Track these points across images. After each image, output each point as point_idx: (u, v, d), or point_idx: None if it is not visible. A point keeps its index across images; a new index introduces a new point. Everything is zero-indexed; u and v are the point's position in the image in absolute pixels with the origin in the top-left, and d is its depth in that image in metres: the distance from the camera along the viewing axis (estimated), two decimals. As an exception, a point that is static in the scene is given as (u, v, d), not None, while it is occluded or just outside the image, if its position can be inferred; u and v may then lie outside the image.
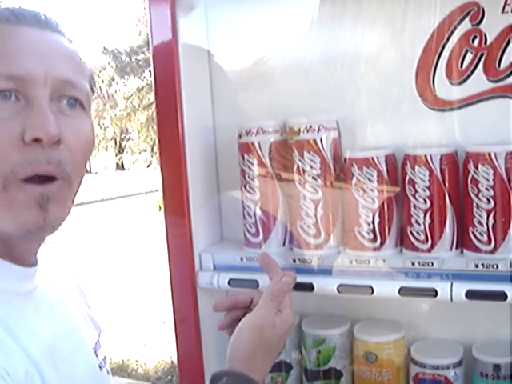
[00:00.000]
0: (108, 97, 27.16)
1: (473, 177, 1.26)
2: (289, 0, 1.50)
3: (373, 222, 1.34)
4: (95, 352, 1.12)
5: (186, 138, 1.48)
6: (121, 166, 33.10)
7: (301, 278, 1.38)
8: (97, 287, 6.76)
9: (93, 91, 1.04)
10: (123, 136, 30.98)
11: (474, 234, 1.28)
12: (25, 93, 0.87)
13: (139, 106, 24.71)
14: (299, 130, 1.38)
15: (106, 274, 8.17)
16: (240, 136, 1.46)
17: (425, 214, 1.30)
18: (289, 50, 1.54)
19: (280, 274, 1.20)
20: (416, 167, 1.29)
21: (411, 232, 1.33)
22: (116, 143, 31.89)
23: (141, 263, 8.36)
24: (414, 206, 1.31)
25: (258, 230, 1.47)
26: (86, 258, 9.10)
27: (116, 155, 32.82)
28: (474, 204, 1.27)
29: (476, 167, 1.25)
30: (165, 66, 1.48)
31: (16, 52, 0.88)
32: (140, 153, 28.99)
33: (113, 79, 26.57)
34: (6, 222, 0.88)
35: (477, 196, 1.26)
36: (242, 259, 1.49)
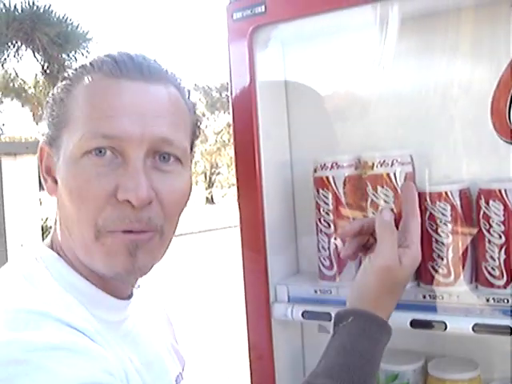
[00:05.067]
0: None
1: (548, 211, 1.24)
2: (365, 35, 1.52)
3: (446, 257, 1.33)
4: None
5: (263, 173, 1.53)
6: (210, 200, 33.65)
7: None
8: (182, 318, 6.88)
9: (197, 136, 1.07)
10: (213, 170, 31.59)
11: (551, 270, 1.26)
12: (121, 151, 0.91)
13: (229, 141, 25.16)
14: (373, 164, 1.39)
15: (194, 306, 8.29)
16: (315, 170, 1.49)
17: (500, 250, 1.28)
18: (364, 85, 1.57)
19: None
20: (490, 202, 1.28)
21: (486, 268, 1.31)
22: (206, 177, 32.53)
23: (228, 294, 8.45)
24: (489, 241, 1.29)
25: (332, 263, 1.49)
26: (173, 288, 9.28)
27: (206, 189, 33.43)
28: (551, 239, 1.25)
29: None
30: (243, 102, 1.54)
31: (114, 110, 0.91)
32: (229, 187, 29.47)
33: (203, 115, 27.26)
34: (100, 265, 0.95)
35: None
36: (316, 292, 1.50)
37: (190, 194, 1.02)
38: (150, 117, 0.92)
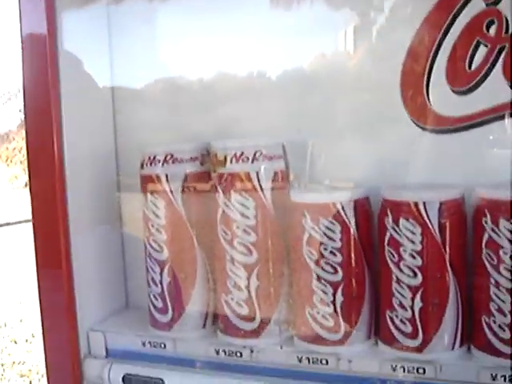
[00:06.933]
0: None
1: (490, 237, 0.80)
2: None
3: (333, 302, 0.87)
4: None
5: (67, 166, 1.02)
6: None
7: (224, 379, 0.93)
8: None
9: None
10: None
11: (488, 325, 0.82)
12: None
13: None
14: (225, 158, 0.91)
15: None
16: (142, 165, 0.99)
17: (414, 293, 0.83)
18: (214, 50, 1.07)
19: None
20: (401, 220, 0.82)
21: (392, 319, 0.86)
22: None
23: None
24: (398, 280, 0.84)
25: (166, 303, 1.00)
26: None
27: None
28: (492, 280, 0.80)
29: (496, 223, 0.79)
30: (36, 69, 1.02)
31: None
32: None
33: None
34: None
35: (496, 268, 0.80)
36: (144, 344, 1.02)
37: None
38: None
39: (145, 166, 0.98)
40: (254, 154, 0.89)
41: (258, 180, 0.89)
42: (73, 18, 1.06)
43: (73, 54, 1.06)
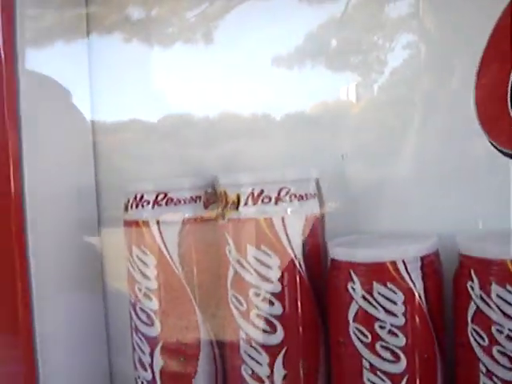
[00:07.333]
0: None
1: None
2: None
3: (393, 399, 0.61)
4: None
5: (28, 209, 0.78)
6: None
7: None
8: None
9: None
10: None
11: None
12: None
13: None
14: (238, 198, 0.66)
15: None
16: (126, 208, 0.75)
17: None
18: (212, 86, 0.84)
19: None
20: (494, 287, 0.57)
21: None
22: None
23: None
24: (488, 372, 0.58)
25: (158, 394, 0.74)
26: None
27: None
28: None
29: None
30: None
31: None
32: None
33: None
34: None
35: None
36: None
37: None
38: None
39: (129, 208, 0.73)
40: (279, 193, 0.64)
41: (284, 228, 0.64)
42: (39, 39, 0.84)
43: (37, 80, 0.83)
